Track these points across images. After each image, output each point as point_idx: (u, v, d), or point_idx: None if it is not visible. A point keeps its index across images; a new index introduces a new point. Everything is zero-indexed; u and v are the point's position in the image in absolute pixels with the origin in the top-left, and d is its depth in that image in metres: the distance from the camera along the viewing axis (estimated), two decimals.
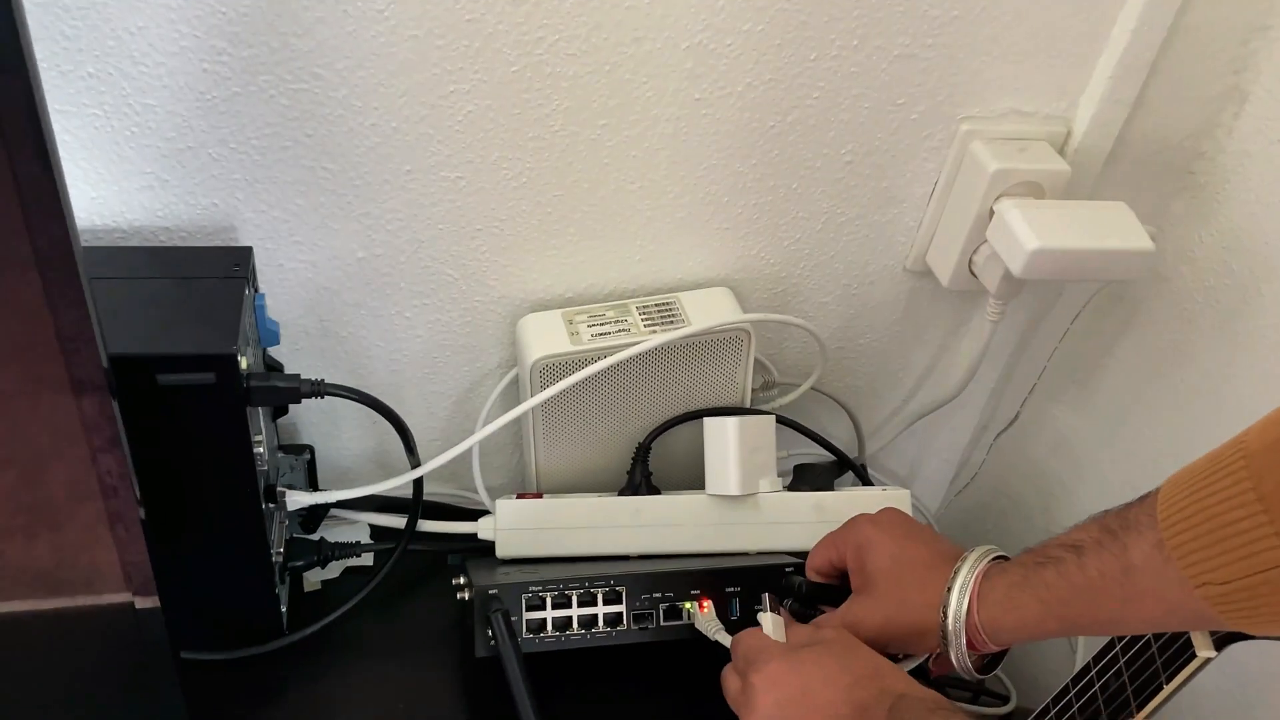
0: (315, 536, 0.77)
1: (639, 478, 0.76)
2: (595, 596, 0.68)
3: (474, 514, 0.83)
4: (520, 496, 0.77)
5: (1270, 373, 0.73)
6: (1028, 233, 0.70)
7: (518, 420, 0.72)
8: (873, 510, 0.70)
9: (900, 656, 0.65)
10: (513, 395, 0.80)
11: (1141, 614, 0.51)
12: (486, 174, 0.68)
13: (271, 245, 0.69)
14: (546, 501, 0.76)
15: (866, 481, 0.85)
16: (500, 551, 0.75)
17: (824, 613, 0.67)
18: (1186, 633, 0.57)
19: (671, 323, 0.73)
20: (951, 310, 0.85)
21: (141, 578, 0.55)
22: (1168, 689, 0.60)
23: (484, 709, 0.72)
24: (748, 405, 0.79)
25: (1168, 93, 0.73)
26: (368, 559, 0.80)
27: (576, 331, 0.72)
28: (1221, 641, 0.57)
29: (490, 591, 0.66)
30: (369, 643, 0.76)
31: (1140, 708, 0.59)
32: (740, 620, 0.69)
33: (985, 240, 0.75)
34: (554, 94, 0.65)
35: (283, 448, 0.77)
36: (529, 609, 0.67)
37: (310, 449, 0.77)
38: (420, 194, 0.68)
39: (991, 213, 0.73)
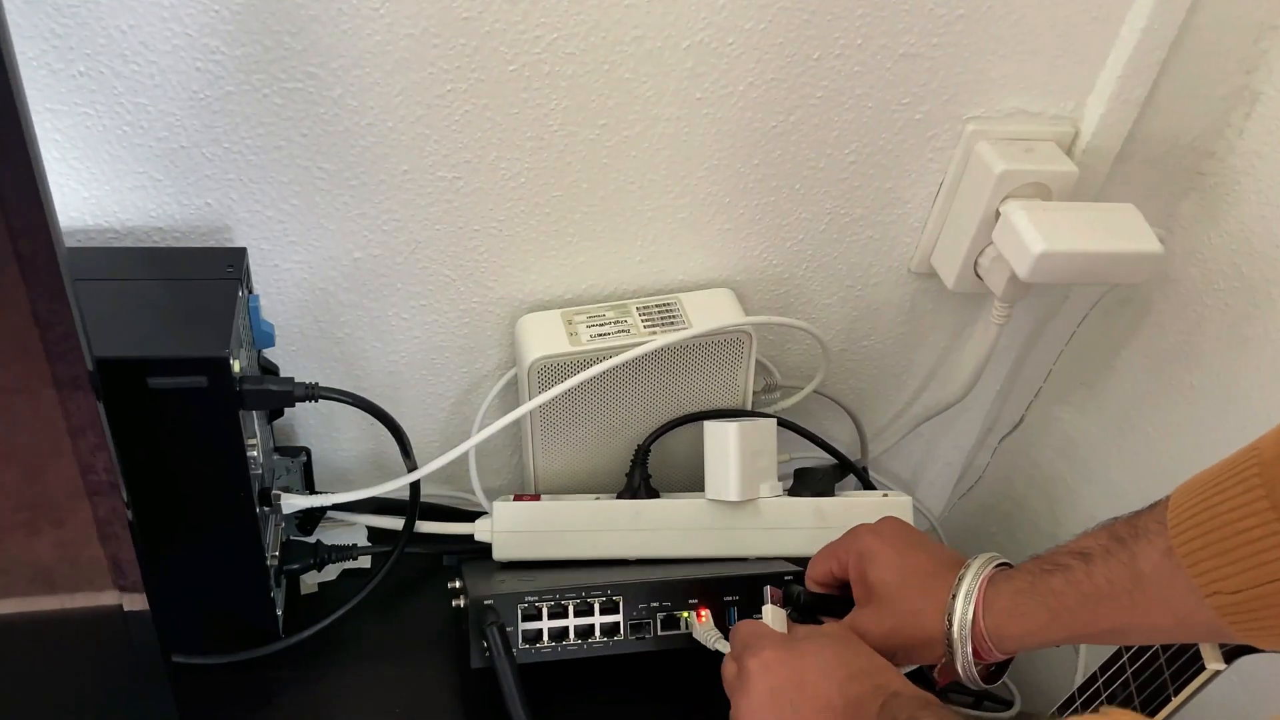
0: (312, 539, 0.76)
1: (638, 481, 0.76)
2: (592, 606, 0.67)
3: (472, 515, 0.82)
4: (518, 498, 0.76)
5: None
6: (1034, 235, 0.69)
7: (516, 421, 0.71)
8: (874, 517, 0.69)
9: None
10: (511, 396, 0.79)
11: (1150, 623, 0.50)
12: (484, 174, 0.67)
13: (267, 246, 0.68)
14: (544, 504, 0.75)
15: (868, 485, 0.84)
16: (497, 554, 0.74)
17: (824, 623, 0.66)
18: (1195, 644, 0.56)
19: (672, 324, 0.72)
20: (956, 313, 0.84)
21: (131, 581, 0.54)
22: (1176, 701, 0.59)
23: (481, 713, 0.71)
24: (749, 408, 0.78)
25: (1177, 92, 0.72)
26: (365, 561, 0.79)
27: (575, 332, 0.72)
28: (1231, 654, 0.56)
29: (485, 603, 0.65)
30: (366, 646, 0.76)
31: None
32: None
33: (991, 242, 0.74)
34: (552, 93, 0.64)
35: (279, 449, 0.76)
36: (525, 619, 0.66)
37: (306, 451, 0.76)
38: (417, 194, 0.67)
39: (997, 214, 0.72)
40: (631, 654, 0.68)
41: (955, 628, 0.58)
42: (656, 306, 0.74)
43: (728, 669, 0.61)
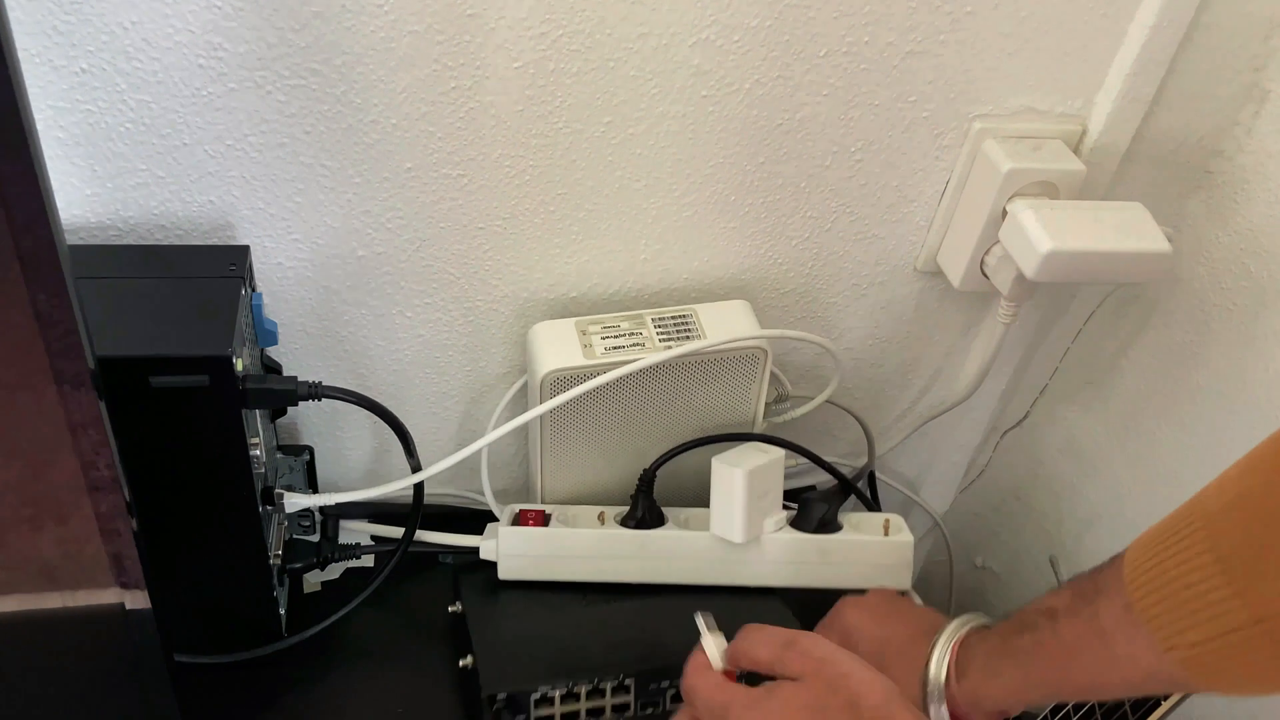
0: (314, 538, 0.76)
1: (641, 510, 0.74)
2: (604, 690, 0.67)
3: (477, 514, 0.82)
4: (523, 514, 0.75)
5: None
6: (1041, 234, 0.68)
7: (524, 429, 0.71)
8: (875, 559, 0.71)
9: None
10: (521, 403, 0.78)
11: (1121, 678, 0.50)
12: (489, 171, 0.67)
13: (270, 243, 0.67)
14: (550, 531, 0.74)
15: (873, 498, 0.84)
16: (502, 574, 0.74)
17: None
18: None
19: (687, 336, 0.71)
20: (962, 311, 0.84)
21: (133, 579, 0.54)
22: (1166, 705, 0.59)
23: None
24: (760, 421, 0.77)
25: (1186, 90, 0.71)
26: (369, 560, 0.79)
27: (590, 344, 0.71)
28: None
29: (499, 697, 0.65)
30: (369, 645, 0.75)
31: None
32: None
33: (998, 241, 0.73)
34: (557, 90, 0.64)
35: (281, 448, 0.76)
36: (537, 707, 0.66)
37: (310, 450, 0.76)
38: (421, 191, 0.67)
39: (1004, 213, 0.72)
40: None
41: (928, 686, 0.58)
42: (672, 318, 0.73)
43: None
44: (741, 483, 0.70)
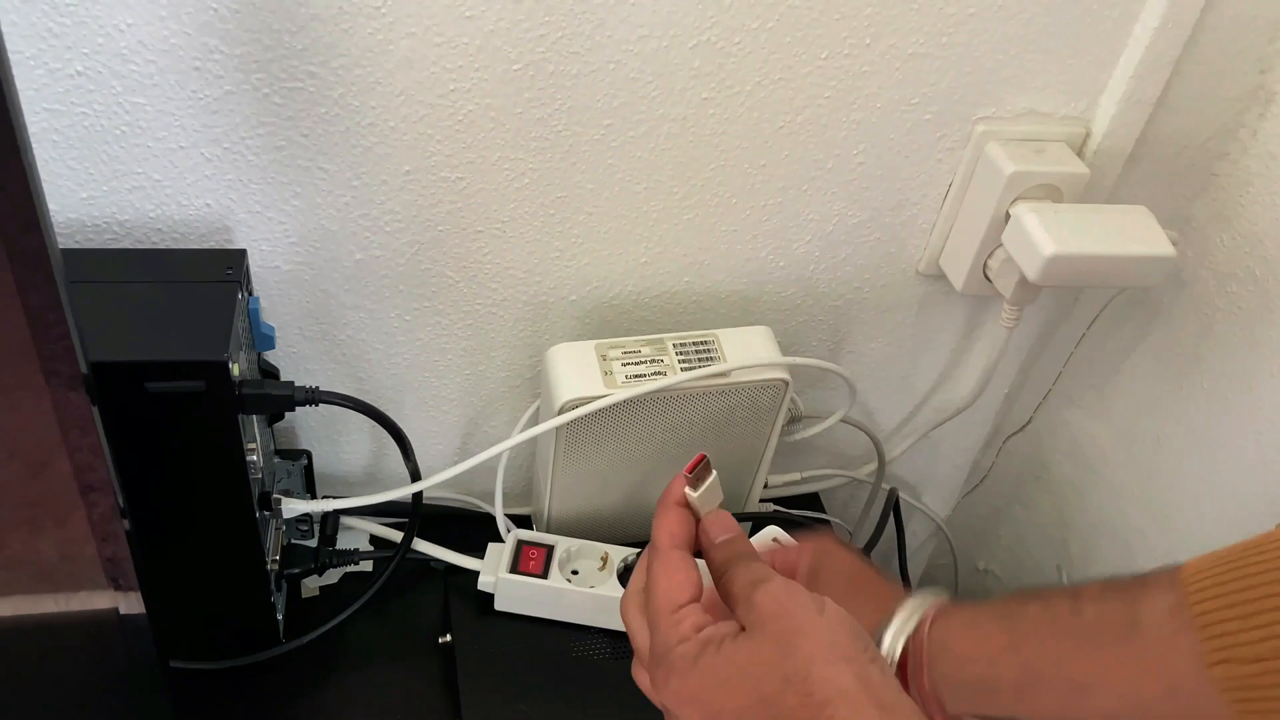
0: (313, 543, 0.75)
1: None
2: None
3: (477, 518, 0.82)
4: (525, 550, 0.74)
5: None
6: (1044, 238, 0.68)
7: (533, 448, 0.70)
8: None
9: None
10: (534, 418, 0.78)
11: (1132, 685, 0.43)
12: (487, 175, 0.66)
13: (267, 247, 0.67)
14: (548, 585, 0.73)
15: (897, 521, 0.84)
16: (499, 606, 0.74)
17: None
18: None
19: (709, 363, 0.70)
20: (965, 315, 0.83)
21: (127, 584, 0.54)
22: None
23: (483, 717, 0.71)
24: (774, 447, 0.77)
25: (1191, 93, 0.71)
26: (367, 565, 0.78)
27: (610, 370, 0.69)
28: None
29: None
30: (366, 651, 0.75)
31: None
32: None
33: (1000, 244, 0.73)
34: (557, 93, 0.63)
35: (279, 452, 0.75)
36: None
37: (307, 454, 0.76)
38: (420, 195, 0.66)
39: (1007, 216, 0.71)
40: None
41: (892, 626, 0.48)
42: (693, 344, 0.72)
43: (641, 679, 0.47)
44: None
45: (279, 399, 0.61)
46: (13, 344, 0.43)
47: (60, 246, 0.63)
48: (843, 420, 0.82)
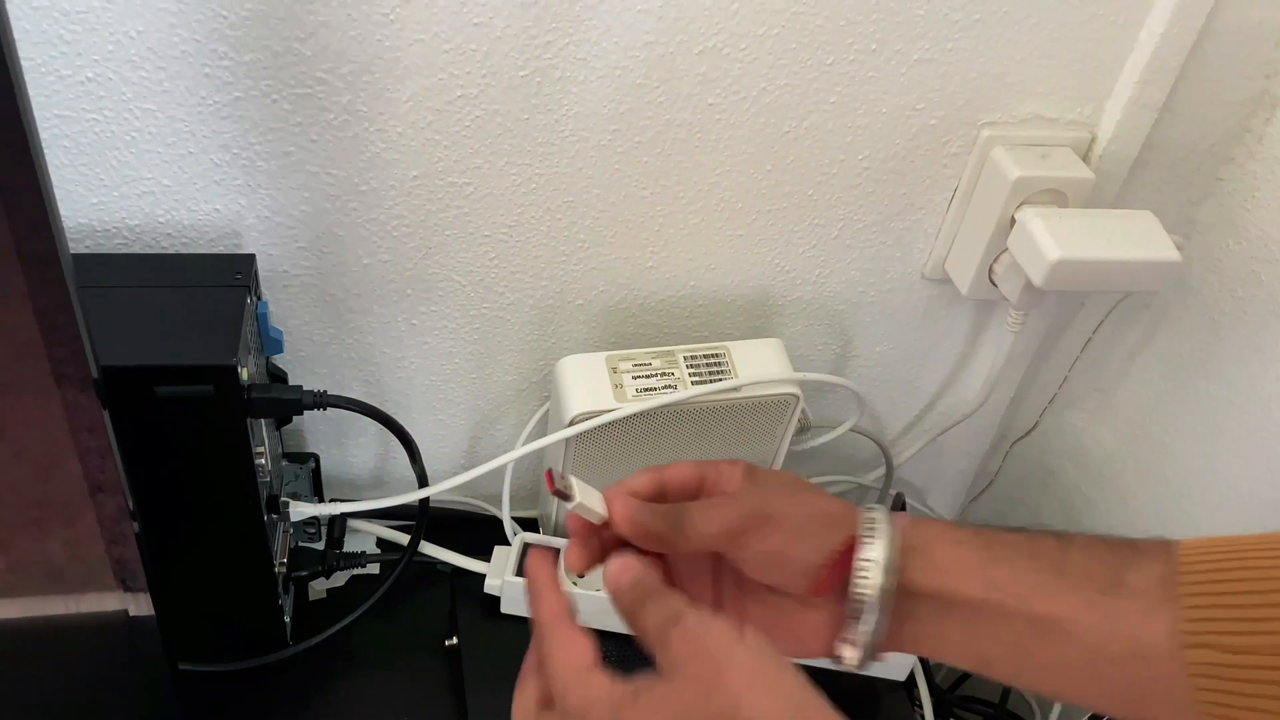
0: (319, 545, 0.76)
1: None
2: None
3: (484, 520, 0.82)
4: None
5: None
6: (1050, 243, 0.68)
7: (541, 456, 0.70)
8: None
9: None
10: (542, 426, 0.78)
11: (1096, 639, 0.41)
12: (494, 180, 0.67)
13: (275, 252, 0.67)
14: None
15: None
16: (505, 609, 0.74)
17: None
18: None
19: (719, 376, 0.71)
20: (970, 319, 0.84)
21: (136, 586, 0.54)
22: None
23: None
24: (783, 458, 0.77)
25: (1197, 98, 0.71)
26: (374, 568, 0.79)
27: (620, 383, 0.70)
28: None
29: None
30: (373, 653, 0.76)
31: None
32: None
33: (1006, 249, 0.73)
34: (564, 99, 0.64)
35: (287, 456, 0.76)
36: None
37: (315, 458, 0.76)
38: (427, 200, 0.67)
39: (1013, 221, 0.71)
40: None
41: (884, 523, 0.44)
42: (704, 357, 0.72)
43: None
44: None
45: (287, 403, 0.62)
46: (24, 347, 0.43)
47: (71, 252, 0.64)
48: (854, 431, 0.82)
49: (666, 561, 0.49)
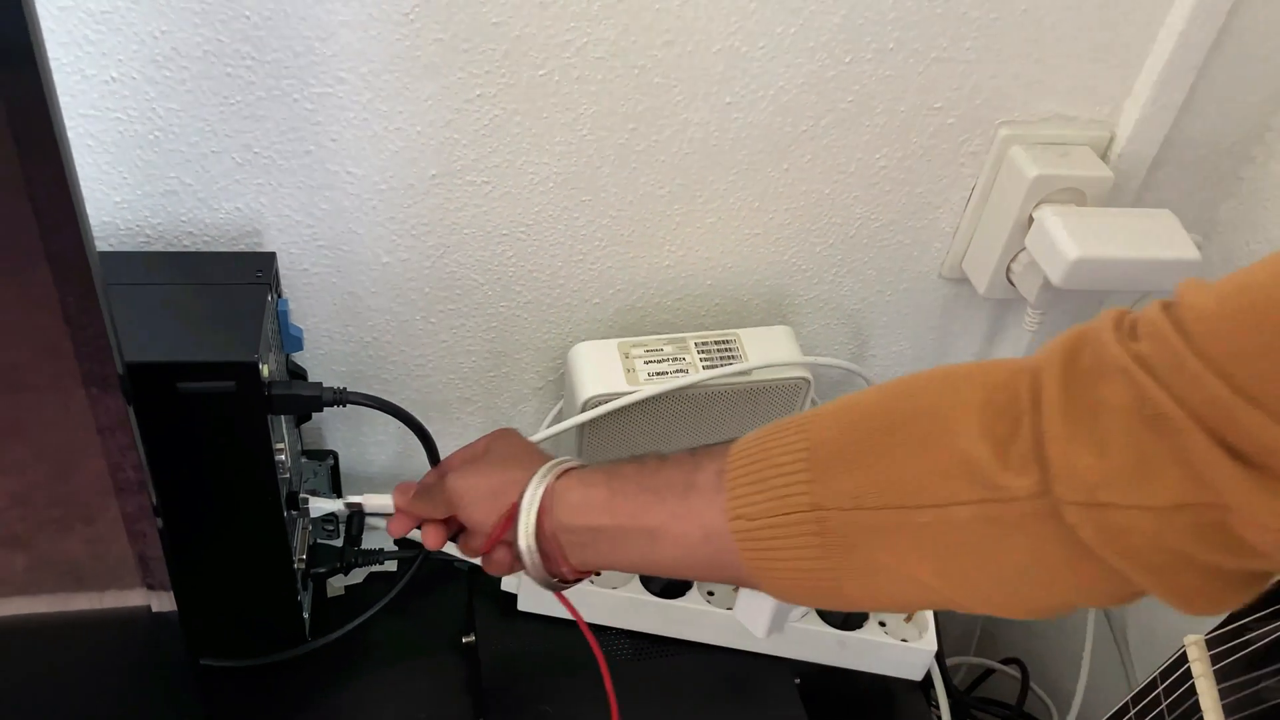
0: (338, 542, 0.76)
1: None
2: None
3: None
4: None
5: None
6: (1068, 241, 0.68)
7: (556, 446, 0.70)
8: (893, 657, 0.73)
9: None
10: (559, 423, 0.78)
11: (681, 530, 0.51)
12: (512, 179, 0.67)
13: (296, 250, 0.68)
14: (574, 590, 0.74)
15: None
16: (522, 606, 0.74)
17: None
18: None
19: (730, 361, 0.71)
20: (988, 318, 0.83)
21: (158, 581, 0.55)
22: None
23: (506, 717, 0.71)
24: None
25: (1216, 96, 0.70)
26: (392, 565, 0.79)
27: (632, 368, 0.71)
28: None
29: None
30: (391, 650, 0.76)
31: None
32: None
33: (1024, 248, 0.73)
34: (582, 98, 0.64)
35: (306, 453, 0.76)
36: None
37: (334, 455, 0.76)
38: (445, 199, 0.67)
39: (1031, 220, 0.71)
40: None
41: (533, 481, 0.56)
42: (715, 343, 0.73)
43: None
44: (769, 603, 0.68)
45: (307, 399, 0.62)
46: (51, 345, 0.44)
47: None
48: None
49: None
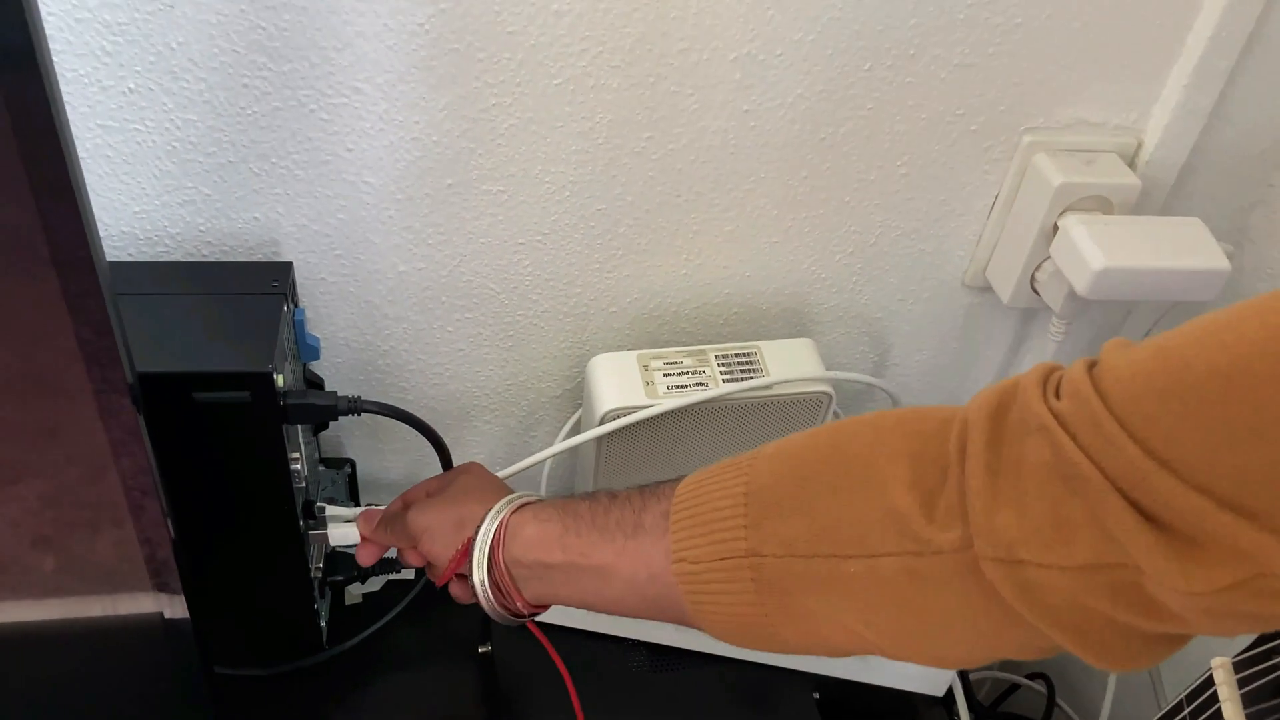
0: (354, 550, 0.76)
1: None
2: None
3: None
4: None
5: None
6: (1094, 251, 0.66)
7: (575, 464, 0.70)
8: (914, 670, 0.72)
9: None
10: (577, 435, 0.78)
11: (629, 572, 0.51)
12: (529, 188, 0.67)
13: (313, 259, 0.68)
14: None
15: None
16: (538, 617, 0.74)
17: None
18: None
19: (751, 375, 0.70)
20: (1012, 328, 0.82)
21: (171, 589, 0.55)
22: None
23: None
24: None
25: (1247, 102, 0.69)
26: (409, 573, 0.79)
27: (651, 380, 0.70)
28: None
29: None
30: (407, 658, 0.76)
31: None
32: None
33: (1049, 257, 0.71)
34: (598, 107, 0.63)
35: (324, 461, 0.76)
36: None
37: (351, 463, 0.77)
38: (462, 208, 0.67)
39: (1056, 228, 0.70)
40: None
41: (489, 514, 0.57)
42: (736, 356, 0.72)
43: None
44: None
45: (322, 409, 0.62)
46: (62, 355, 0.44)
47: (113, 259, 0.65)
48: None
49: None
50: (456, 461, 0.71)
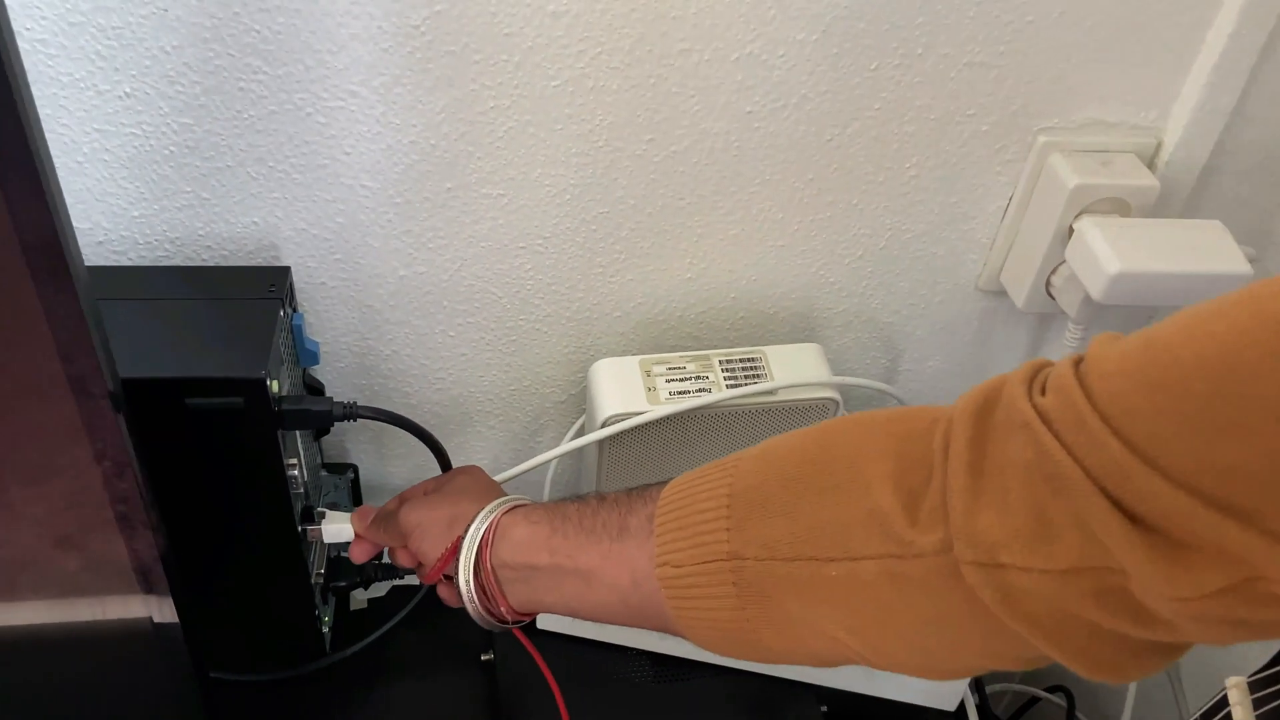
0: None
1: None
2: None
3: None
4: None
5: None
6: (1109, 254, 0.64)
7: (579, 470, 0.69)
8: (923, 684, 0.72)
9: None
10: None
11: (612, 577, 0.50)
12: (529, 191, 0.66)
13: (313, 263, 0.68)
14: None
15: None
16: (541, 624, 0.74)
17: None
18: None
19: (754, 381, 0.69)
20: (1027, 333, 0.80)
21: (160, 593, 0.54)
22: None
23: None
24: None
25: (1269, 100, 0.67)
26: (413, 578, 0.78)
27: (654, 386, 0.69)
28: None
29: None
30: (410, 665, 0.75)
31: None
32: None
33: (1064, 260, 0.69)
34: (597, 109, 0.62)
35: (327, 466, 0.76)
36: None
37: (354, 468, 0.76)
38: (461, 211, 0.66)
39: (1071, 231, 0.68)
40: None
41: (479, 515, 0.55)
42: (740, 361, 0.71)
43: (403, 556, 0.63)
44: None
45: (318, 414, 0.62)
46: (42, 361, 0.44)
47: (112, 264, 0.65)
48: None
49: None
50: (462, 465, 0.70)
